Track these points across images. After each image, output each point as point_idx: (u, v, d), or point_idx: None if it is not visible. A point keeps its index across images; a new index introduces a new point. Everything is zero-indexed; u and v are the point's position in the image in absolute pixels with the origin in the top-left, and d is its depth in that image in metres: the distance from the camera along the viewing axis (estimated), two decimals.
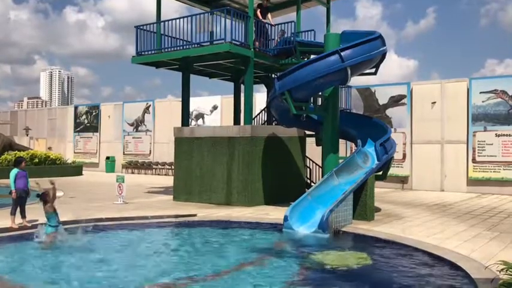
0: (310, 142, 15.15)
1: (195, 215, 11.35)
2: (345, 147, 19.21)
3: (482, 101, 18.05)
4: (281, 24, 15.19)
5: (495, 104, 17.86)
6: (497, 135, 17.72)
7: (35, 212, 10.41)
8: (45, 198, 8.38)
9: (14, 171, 9.42)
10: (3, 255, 7.69)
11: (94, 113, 30.82)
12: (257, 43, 14.07)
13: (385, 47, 11.39)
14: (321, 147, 12.61)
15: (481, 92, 18.09)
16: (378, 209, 12.23)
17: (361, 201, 10.76)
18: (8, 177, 9.48)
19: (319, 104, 12.98)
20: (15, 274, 6.55)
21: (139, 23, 14.47)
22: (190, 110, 18.57)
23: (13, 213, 9.32)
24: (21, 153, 23.96)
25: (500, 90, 17.79)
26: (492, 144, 17.77)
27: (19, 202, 9.41)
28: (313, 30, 15.01)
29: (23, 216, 9.49)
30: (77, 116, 31.69)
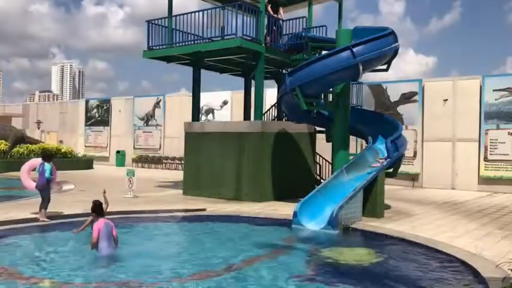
0: (321, 138, 15.08)
1: (204, 210, 11.39)
2: (355, 144, 19.11)
3: (495, 99, 17.83)
4: (293, 19, 15.13)
5: (509, 102, 17.63)
6: (510, 134, 17.50)
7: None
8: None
9: (50, 166, 9.64)
10: (21, 246, 7.78)
11: (105, 107, 30.97)
12: (268, 38, 14.03)
13: (397, 43, 11.30)
14: (331, 143, 12.56)
15: (494, 90, 17.87)
16: (388, 207, 12.16)
17: (371, 198, 10.71)
18: (20, 170, 9.60)
19: (330, 100, 12.92)
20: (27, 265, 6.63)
21: (157, 16, 14.48)
22: (201, 105, 18.58)
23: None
24: (33, 146, 24.18)
25: None
26: (505, 142, 17.56)
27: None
28: (325, 26, 14.94)
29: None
30: (88, 110, 31.87)
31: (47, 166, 9.59)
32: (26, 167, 10.76)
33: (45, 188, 9.56)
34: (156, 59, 15.46)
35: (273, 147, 13.57)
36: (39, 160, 10.10)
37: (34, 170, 10.41)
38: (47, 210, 9.65)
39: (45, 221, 9.36)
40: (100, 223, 7.00)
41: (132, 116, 29.47)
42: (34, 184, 10.00)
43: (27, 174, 10.72)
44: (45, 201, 9.53)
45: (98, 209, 7.13)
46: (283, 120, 15.57)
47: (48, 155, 10.23)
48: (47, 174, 9.50)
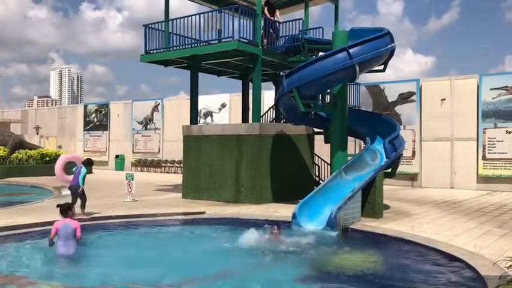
0: (319, 139, 15.12)
1: (203, 213, 11.41)
2: (353, 145, 19.16)
3: (493, 98, 17.89)
4: (289, 21, 15.18)
5: (506, 101, 17.69)
6: (508, 132, 17.56)
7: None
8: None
9: (85, 170, 10.39)
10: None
11: (103, 112, 31.02)
12: (265, 41, 14.07)
13: (393, 44, 11.33)
14: (329, 144, 12.59)
15: (491, 89, 17.93)
16: (387, 207, 12.19)
17: (370, 199, 10.74)
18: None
19: (328, 101, 12.96)
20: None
21: (155, 19, 14.52)
22: (199, 108, 18.62)
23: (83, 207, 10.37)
24: (32, 152, 24.18)
25: (511, 87, 17.63)
26: (503, 141, 17.61)
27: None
28: (321, 27, 14.99)
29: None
30: (86, 115, 31.91)
31: (83, 171, 10.34)
32: (60, 162, 11.04)
33: (77, 190, 10.30)
34: (154, 63, 15.49)
35: (271, 149, 13.60)
36: (74, 155, 10.52)
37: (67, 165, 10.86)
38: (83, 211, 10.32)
39: (84, 218, 9.87)
40: (59, 222, 7.34)
41: (130, 120, 29.50)
42: (69, 178, 10.89)
43: (61, 168, 11.04)
44: (83, 199, 10.34)
45: (60, 210, 7.59)
46: (281, 122, 15.60)
47: (89, 161, 11.10)
48: (80, 178, 10.26)
